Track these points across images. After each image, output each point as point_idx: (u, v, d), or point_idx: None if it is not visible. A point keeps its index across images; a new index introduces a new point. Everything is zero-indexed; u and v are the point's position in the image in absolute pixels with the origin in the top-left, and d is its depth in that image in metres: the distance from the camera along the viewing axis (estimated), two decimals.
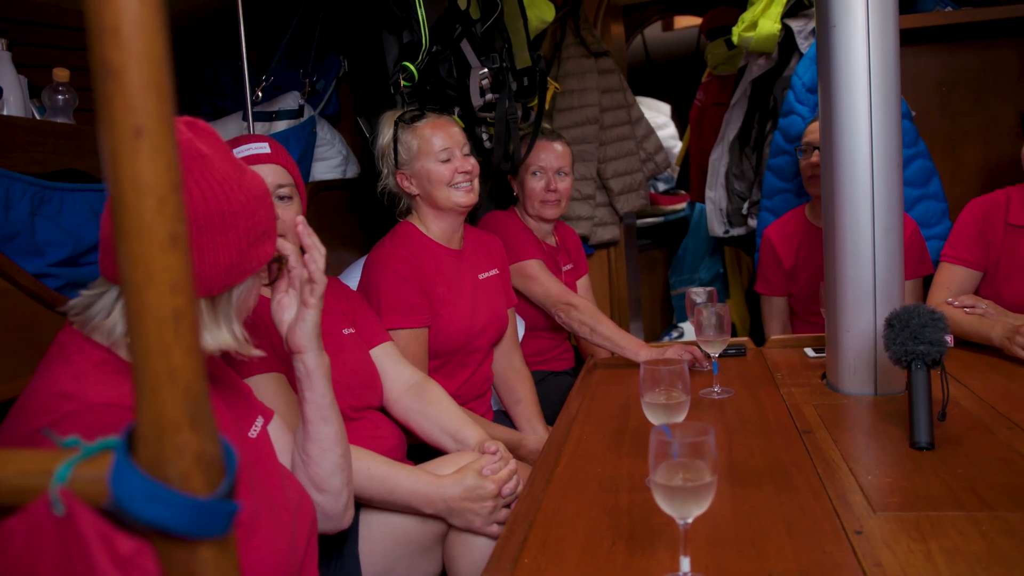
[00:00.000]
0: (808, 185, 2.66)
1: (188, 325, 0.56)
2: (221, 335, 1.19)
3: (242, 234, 1.14)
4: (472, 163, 2.25)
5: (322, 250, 1.46)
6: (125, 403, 1.06)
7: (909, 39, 2.19)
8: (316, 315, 1.43)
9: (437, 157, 2.20)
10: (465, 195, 2.24)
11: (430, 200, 2.25)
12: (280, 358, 1.68)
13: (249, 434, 1.35)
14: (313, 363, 1.43)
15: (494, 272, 2.43)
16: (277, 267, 1.41)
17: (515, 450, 2.17)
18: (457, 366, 2.29)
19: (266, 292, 1.77)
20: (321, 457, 1.44)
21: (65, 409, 1.03)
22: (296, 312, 1.43)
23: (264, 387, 1.61)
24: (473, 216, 2.85)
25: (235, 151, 1.72)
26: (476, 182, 2.27)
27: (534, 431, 2.37)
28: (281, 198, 1.74)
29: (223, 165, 1.13)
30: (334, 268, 2.72)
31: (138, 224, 0.54)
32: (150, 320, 0.55)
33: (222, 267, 1.13)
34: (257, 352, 1.24)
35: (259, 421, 1.40)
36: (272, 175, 1.72)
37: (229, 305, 1.19)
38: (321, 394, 1.44)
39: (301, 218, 1.56)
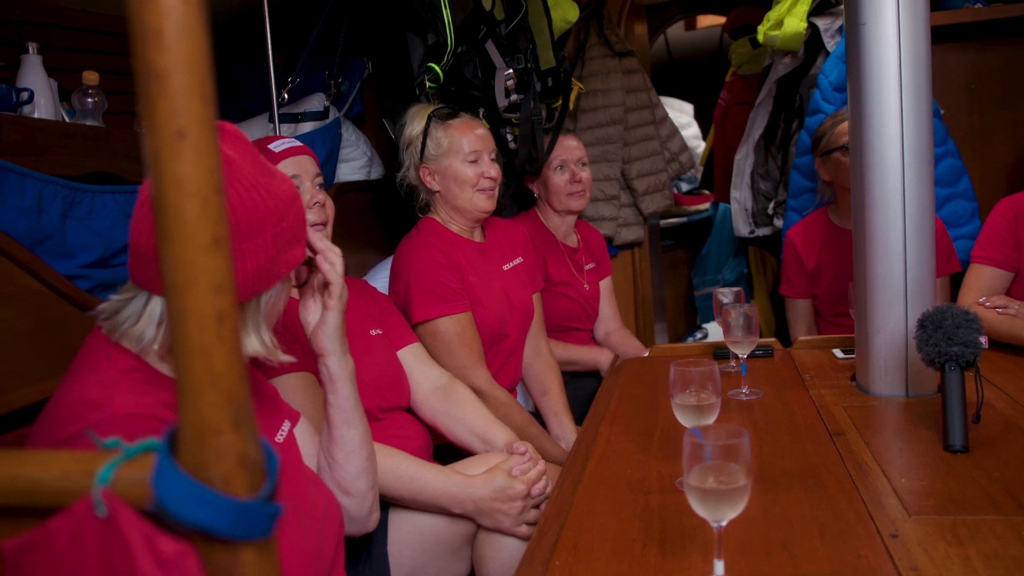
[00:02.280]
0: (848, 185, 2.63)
1: (230, 327, 0.56)
2: (250, 342, 1.19)
3: (270, 240, 1.13)
4: (497, 170, 2.26)
5: (336, 251, 1.44)
6: (153, 413, 1.05)
7: (937, 37, 2.17)
8: (337, 317, 1.42)
9: (465, 158, 2.21)
10: (488, 200, 2.25)
11: (451, 199, 2.25)
12: (309, 357, 1.69)
13: (276, 439, 1.36)
14: (336, 366, 1.42)
15: (518, 261, 2.44)
16: (307, 270, 1.40)
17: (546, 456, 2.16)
18: (490, 359, 2.29)
19: (295, 292, 1.78)
20: (346, 460, 1.44)
21: (93, 419, 1.03)
22: (320, 316, 1.43)
23: (292, 387, 1.62)
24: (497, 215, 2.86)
25: (271, 146, 1.75)
26: (497, 190, 2.28)
27: (561, 425, 2.37)
28: (320, 186, 1.81)
29: (250, 170, 1.12)
30: (359, 269, 2.73)
31: (180, 226, 0.54)
32: (193, 322, 0.55)
33: (250, 274, 1.12)
34: (287, 358, 1.24)
35: (286, 425, 1.41)
36: (311, 164, 1.80)
37: (258, 312, 1.19)
38: (345, 397, 1.43)
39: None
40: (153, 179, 0.54)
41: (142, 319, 1.13)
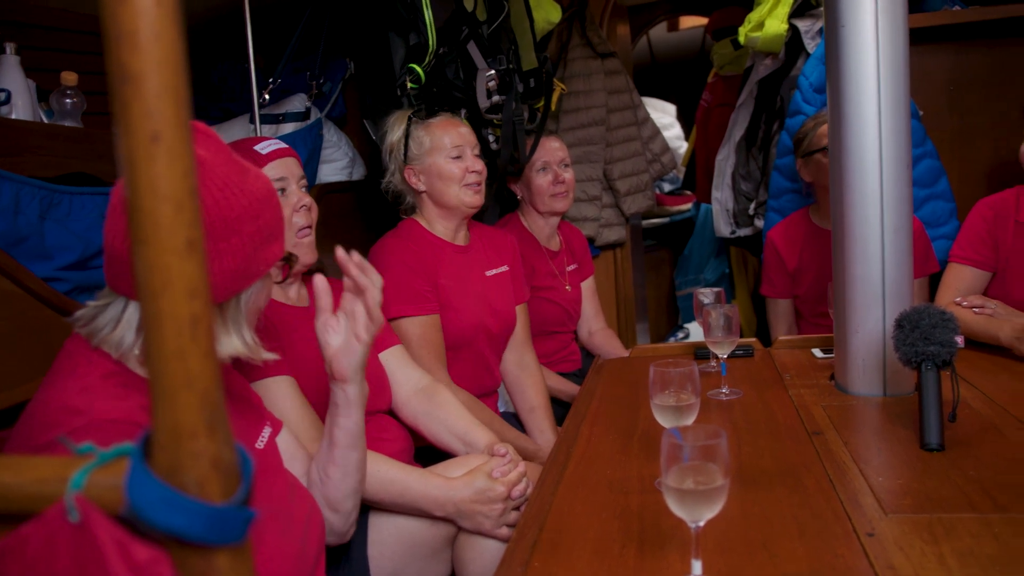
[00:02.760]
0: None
1: (205, 330, 0.56)
2: (231, 342, 1.18)
3: (246, 239, 1.13)
4: (482, 165, 2.27)
5: (378, 283, 1.43)
6: (133, 419, 1.05)
7: (917, 38, 2.19)
8: (366, 350, 1.41)
9: (449, 154, 2.21)
10: (474, 195, 2.25)
11: (437, 197, 2.25)
12: (290, 361, 1.68)
13: (256, 444, 1.35)
14: (354, 393, 1.41)
15: (504, 269, 2.44)
16: (288, 267, 1.39)
17: (532, 458, 2.16)
18: (462, 363, 2.29)
19: (277, 293, 1.77)
20: (341, 481, 1.44)
21: (73, 424, 1.02)
22: (345, 342, 1.40)
23: (274, 391, 1.61)
24: (478, 219, 2.86)
25: (257, 148, 1.75)
26: (484, 185, 2.28)
27: (548, 443, 2.36)
28: (304, 188, 1.81)
29: (224, 169, 1.11)
30: (340, 271, 2.72)
31: (155, 230, 0.54)
32: (168, 326, 0.55)
33: (227, 274, 1.12)
34: (269, 356, 1.23)
35: (266, 431, 1.40)
36: (297, 167, 1.80)
37: (238, 311, 1.18)
38: (355, 422, 1.43)
39: (348, 254, 1.59)
40: (127, 182, 0.54)
41: (120, 325, 1.12)
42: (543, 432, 2.38)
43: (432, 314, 2.18)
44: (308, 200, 1.79)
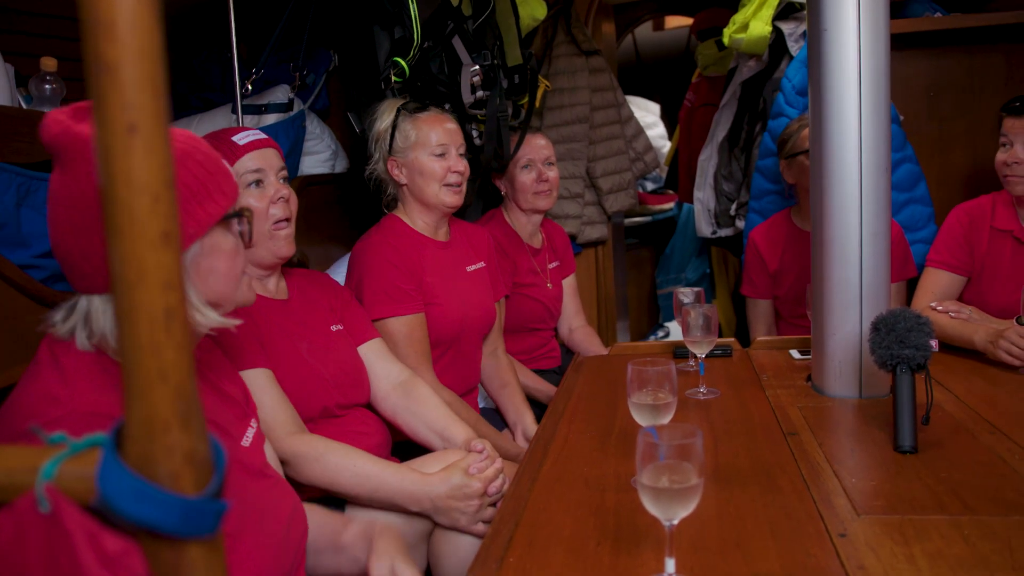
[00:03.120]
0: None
1: (180, 323, 0.56)
2: None
3: None
4: (465, 165, 2.26)
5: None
6: (113, 412, 1.03)
7: (897, 44, 2.21)
8: None
9: (432, 151, 2.21)
10: (453, 196, 2.24)
11: (417, 193, 2.25)
12: (268, 354, 1.68)
13: (242, 442, 1.33)
14: None
15: (481, 265, 2.44)
16: (245, 221, 1.24)
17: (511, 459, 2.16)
18: (447, 359, 2.29)
19: (256, 285, 1.76)
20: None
21: (53, 414, 1.01)
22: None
23: (252, 383, 1.60)
24: (460, 214, 2.86)
25: (235, 138, 1.73)
26: (465, 185, 2.28)
27: (521, 417, 2.37)
28: (284, 180, 1.79)
29: None
30: (322, 263, 2.71)
31: (131, 222, 0.54)
32: (142, 318, 0.54)
33: None
34: (225, 321, 1.19)
35: (252, 426, 1.38)
36: (276, 158, 1.78)
37: None
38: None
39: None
40: (103, 173, 0.54)
41: (91, 321, 1.09)
42: (516, 407, 2.40)
43: (417, 313, 2.17)
44: (287, 191, 1.77)
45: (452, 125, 2.28)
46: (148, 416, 0.56)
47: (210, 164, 1.15)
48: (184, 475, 0.57)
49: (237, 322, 1.21)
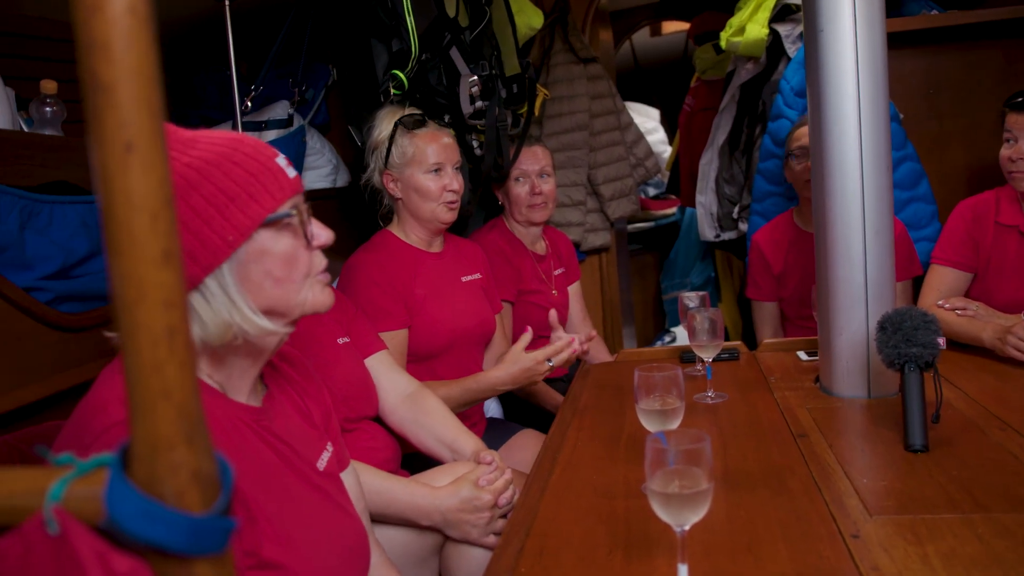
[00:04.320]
0: (804, 190, 2.67)
1: (182, 341, 0.55)
2: (217, 322, 1.07)
3: (188, 211, 1.02)
4: (460, 182, 2.25)
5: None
6: None
7: (895, 42, 2.21)
8: None
9: (428, 169, 2.20)
10: (448, 212, 2.24)
11: (412, 209, 2.25)
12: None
13: (317, 464, 1.29)
14: None
15: (477, 276, 2.44)
16: (298, 221, 1.16)
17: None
18: (446, 368, 2.28)
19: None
20: None
21: (100, 425, 1.00)
22: None
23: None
24: (463, 225, 2.86)
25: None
26: (461, 200, 2.28)
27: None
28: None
29: None
30: None
31: (130, 240, 0.53)
32: (143, 337, 0.54)
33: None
34: (283, 330, 1.14)
35: (328, 449, 1.34)
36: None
37: (226, 288, 1.07)
38: None
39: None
40: (102, 192, 0.54)
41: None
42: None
43: (395, 330, 2.17)
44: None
45: (448, 140, 2.27)
46: (152, 435, 0.56)
47: (252, 165, 1.09)
48: (190, 493, 0.57)
49: (288, 330, 1.16)
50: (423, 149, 2.21)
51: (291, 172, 1.15)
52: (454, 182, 2.24)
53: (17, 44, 2.08)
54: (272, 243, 1.11)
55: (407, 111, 2.28)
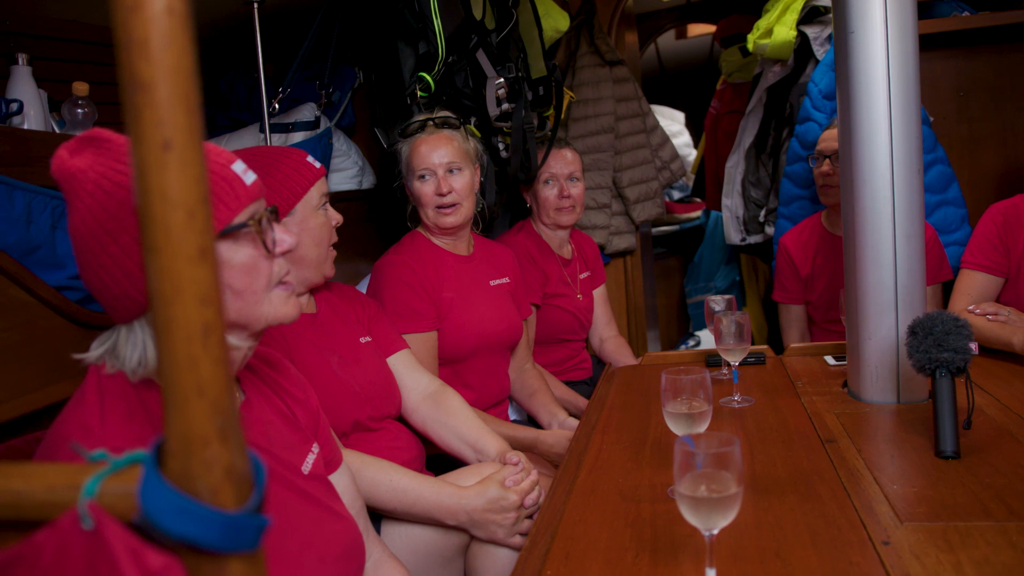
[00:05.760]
0: (821, 194, 2.65)
1: (216, 338, 0.56)
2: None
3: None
4: (456, 184, 2.23)
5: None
6: (142, 447, 1.01)
7: (925, 45, 2.19)
8: None
9: (417, 176, 2.22)
10: (445, 217, 2.24)
11: (421, 215, 2.27)
12: (298, 368, 1.68)
13: (302, 468, 1.29)
14: None
15: (505, 280, 2.44)
16: (257, 230, 1.10)
17: (532, 447, 2.15)
18: (472, 372, 2.28)
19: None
20: None
21: (84, 446, 1.00)
22: None
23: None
24: (488, 227, 2.86)
25: (309, 158, 1.75)
26: (467, 203, 2.25)
27: (554, 417, 2.35)
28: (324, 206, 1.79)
29: (99, 170, 1.00)
30: (351, 278, 2.73)
31: (167, 237, 0.54)
32: (178, 333, 0.55)
33: (128, 278, 0.99)
34: (245, 343, 1.14)
35: (314, 451, 1.33)
36: (325, 184, 1.78)
37: None
38: None
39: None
40: (138, 190, 0.54)
41: (117, 349, 1.06)
42: (548, 407, 2.38)
43: (426, 332, 2.17)
44: (338, 217, 1.80)
45: (443, 145, 2.22)
46: (186, 431, 0.56)
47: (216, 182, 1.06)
48: (224, 490, 0.57)
49: (252, 343, 1.15)
50: (412, 156, 2.23)
51: (249, 178, 1.09)
52: (443, 186, 2.21)
53: (50, 47, 2.11)
54: (230, 254, 1.07)
55: (436, 114, 2.28)
